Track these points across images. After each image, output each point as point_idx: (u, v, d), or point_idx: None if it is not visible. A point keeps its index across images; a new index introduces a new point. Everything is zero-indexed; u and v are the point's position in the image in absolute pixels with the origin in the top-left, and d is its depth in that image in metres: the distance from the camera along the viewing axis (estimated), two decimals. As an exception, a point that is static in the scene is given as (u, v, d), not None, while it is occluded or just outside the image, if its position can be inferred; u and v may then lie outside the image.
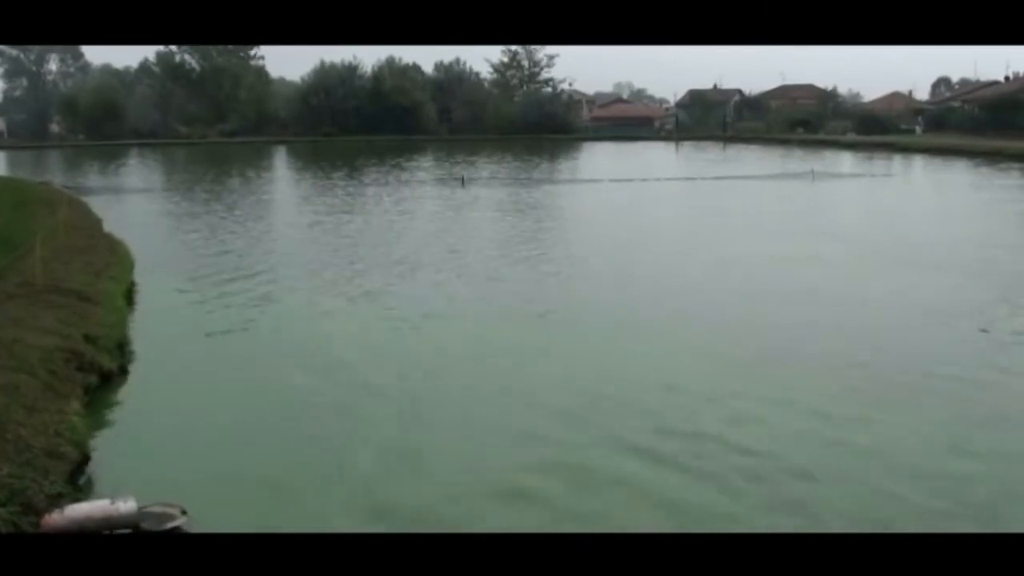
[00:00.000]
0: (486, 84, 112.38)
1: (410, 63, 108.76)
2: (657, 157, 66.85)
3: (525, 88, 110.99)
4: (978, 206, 32.46)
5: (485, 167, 55.95)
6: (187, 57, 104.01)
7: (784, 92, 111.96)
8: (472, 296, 17.10)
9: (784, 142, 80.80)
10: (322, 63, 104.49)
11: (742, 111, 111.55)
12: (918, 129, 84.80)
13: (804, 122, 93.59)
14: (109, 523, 6.83)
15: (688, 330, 14.25)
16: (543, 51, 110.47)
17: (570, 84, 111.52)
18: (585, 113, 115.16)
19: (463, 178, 44.97)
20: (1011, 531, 7.11)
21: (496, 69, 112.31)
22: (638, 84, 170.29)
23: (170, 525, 6.98)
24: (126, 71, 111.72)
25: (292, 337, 14.03)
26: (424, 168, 55.99)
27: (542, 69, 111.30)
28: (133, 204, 36.46)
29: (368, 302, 16.60)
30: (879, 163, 56.58)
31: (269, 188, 44.93)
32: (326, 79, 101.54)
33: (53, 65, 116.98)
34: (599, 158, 67.58)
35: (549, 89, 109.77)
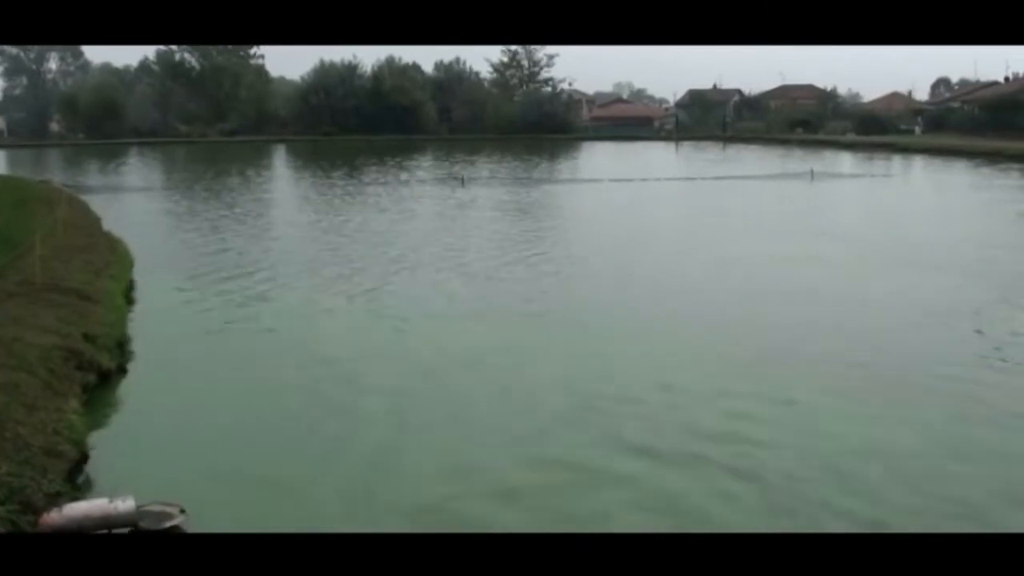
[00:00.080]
0: (486, 84, 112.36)
1: (410, 63, 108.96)
2: (657, 157, 66.83)
3: (525, 88, 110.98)
4: (978, 206, 32.45)
5: (485, 167, 55.95)
6: (187, 56, 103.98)
7: (784, 92, 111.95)
8: (472, 295, 17.10)
9: (784, 142, 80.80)
10: (322, 62, 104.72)
11: (742, 111, 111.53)
12: (918, 129, 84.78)
13: (804, 122, 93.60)
14: (107, 522, 6.84)
15: (688, 330, 14.25)
16: (543, 51, 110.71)
17: (570, 84, 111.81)
18: (585, 113, 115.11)
19: (463, 178, 44.98)
20: (1011, 531, 7.12)
21: (496, 69, 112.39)
22: (638, 84, 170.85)
23: (168, 524, 6.97)
24: (126, 70, 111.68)
25: (291, 336, 14.03)
26: (424, 167, 55.98)
27: (542, 69, 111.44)
28: (133, 203, 36.42)
29: (367, 301, 16.60)
30: (879, 163, 56.58)
31: (269, 187, 44.90)
32: (326, 78, 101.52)
33: (53, 64, 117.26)
34: (599, 158, 67.56)
35: (549, 89, 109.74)
